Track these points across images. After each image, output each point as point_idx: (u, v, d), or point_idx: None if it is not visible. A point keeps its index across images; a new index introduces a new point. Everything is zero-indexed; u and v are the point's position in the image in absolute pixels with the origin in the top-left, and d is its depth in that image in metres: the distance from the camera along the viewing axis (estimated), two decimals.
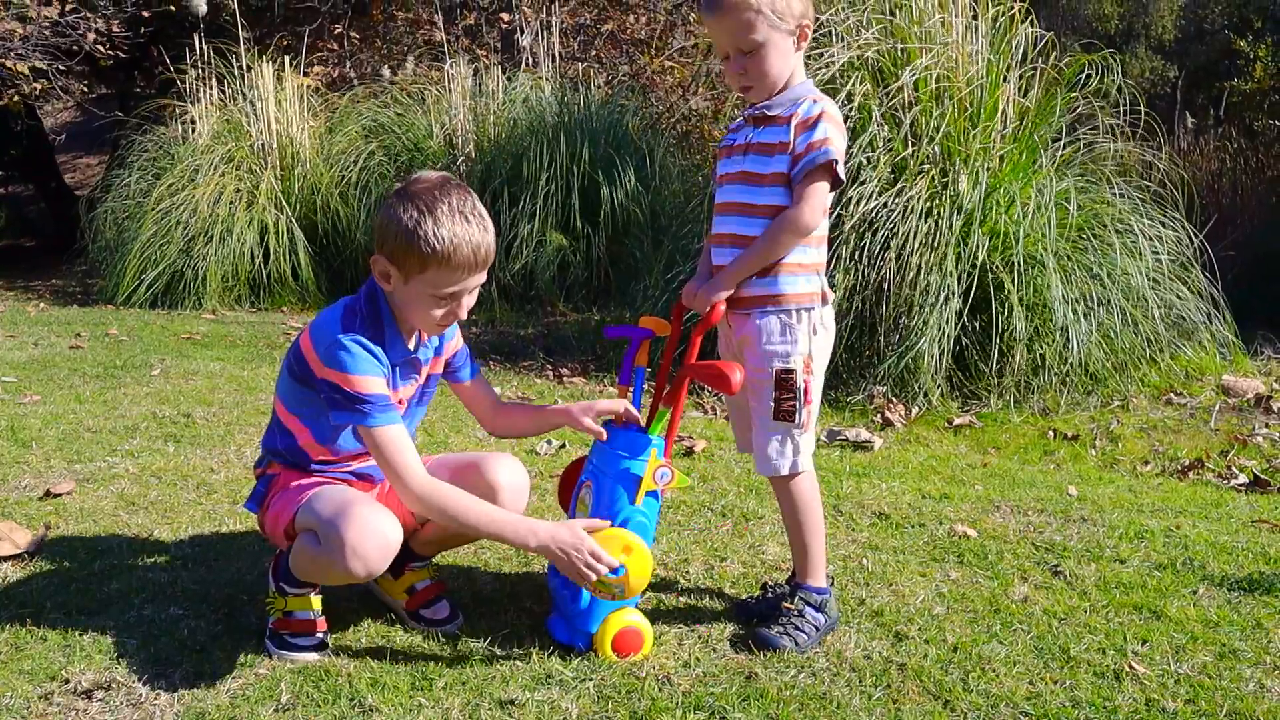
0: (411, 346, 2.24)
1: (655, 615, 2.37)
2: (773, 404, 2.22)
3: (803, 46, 2.23)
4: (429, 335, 2.25)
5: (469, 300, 2.18)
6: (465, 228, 2.07)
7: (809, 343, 2.22)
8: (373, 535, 2.05)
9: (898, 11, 5.08)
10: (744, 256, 2.21)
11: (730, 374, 2.13)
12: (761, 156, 2.23)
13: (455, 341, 2.40)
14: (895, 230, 4.65)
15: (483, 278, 2.15)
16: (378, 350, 2.13)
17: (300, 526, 2.16)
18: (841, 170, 2.19)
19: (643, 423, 2.30)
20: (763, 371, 2.22)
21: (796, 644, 2.22)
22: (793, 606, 2.29)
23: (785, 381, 2.21)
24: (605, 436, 2.26)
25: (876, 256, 4.66)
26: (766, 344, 2.22)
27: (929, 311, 4.56)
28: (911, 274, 4.60)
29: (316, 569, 2.15)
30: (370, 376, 2.10)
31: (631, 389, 2.34)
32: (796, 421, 2.22)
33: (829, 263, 4.60)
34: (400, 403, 2.23)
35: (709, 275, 2.30)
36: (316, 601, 2.25)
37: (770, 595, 2.43)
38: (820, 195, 2.18)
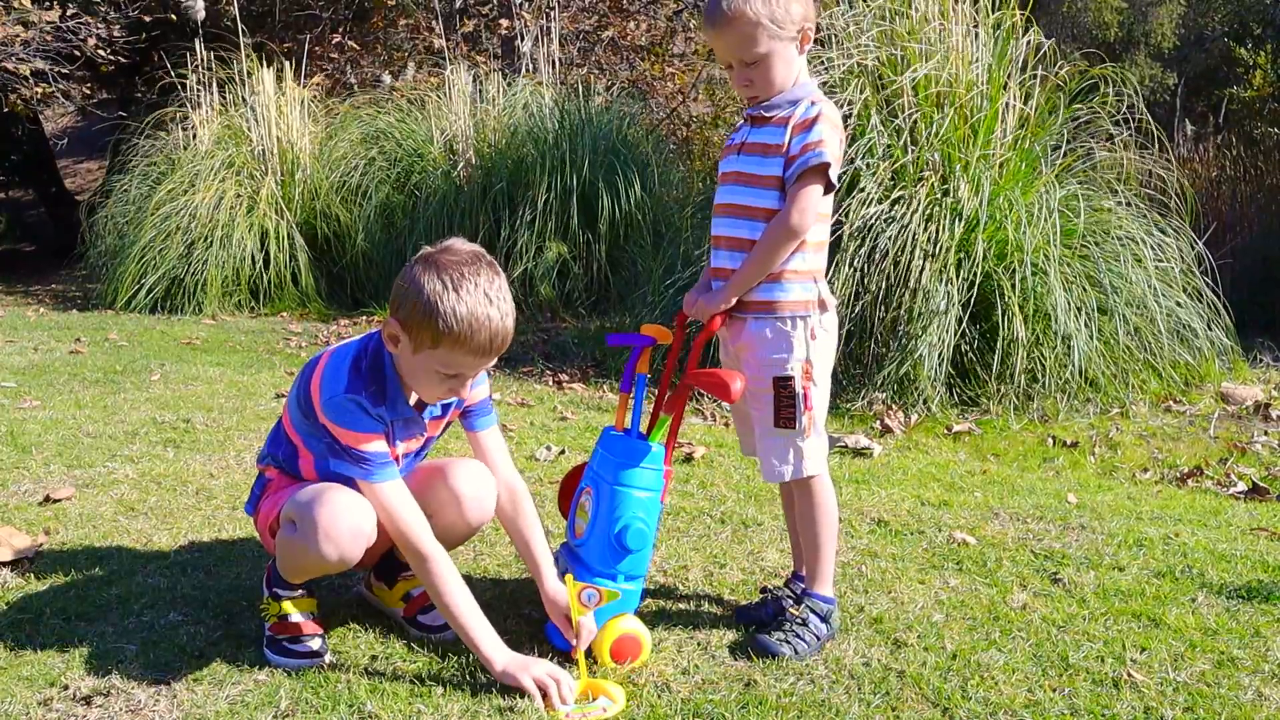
0: (415, 405, 2.21)
1: (654, 622, 2.37)
2: (772, 411, 2.22)
3: (805, 49, 2.21)
4: (431, 403, 2.21)
5: (474, 379, 2.14)
6: (487, 312, 2.00)
7: (806, 349, 2.20)
8: (345, 518, 2.06)
9: (897, 18, 5.09)
10: (744, 268, 2.19)
11: (730, 382, 2.13)
12: (756, 157, 2.22)
13: (480, 390, 2.31)
14: (895, 237, 4.66)
15: (492, 361, 2.11)
16: (380, 410, 2.11)
17: (283, 518, 2.17)
18: (835, 174, 2.16)
19: (644, 430, 2.30)
20: (761, 379, 2.22)
21: (796, 652, 2.21)
22: (797, 614, 2.28)
23: (783, 389, 2.20)
24: (576, 638, 2.20)
25: (877, 263, 4.66)
26: (763, 352, 2.22)
27: (929, 318, 4.56)
28: (912, 281, 4.60)
29: (294, 558, 2.16)
30: (370, 434, 2.09)
31: (633, 396, 2.34)
32: (797, 429, 2.21)
33: (829, 269, 4.62)
34: (398, 458, 2.21)
35: (709, 281, 2.30)
36: (311, 604, 2.26)
37: (770, 601, 2.43)
38: (812, 198, 2.15)
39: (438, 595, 2.11)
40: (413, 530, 2.11)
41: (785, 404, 2.20)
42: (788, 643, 2.23)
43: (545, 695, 2.03)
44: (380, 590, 2.44)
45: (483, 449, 2.35)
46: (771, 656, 2.20)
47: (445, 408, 2.28)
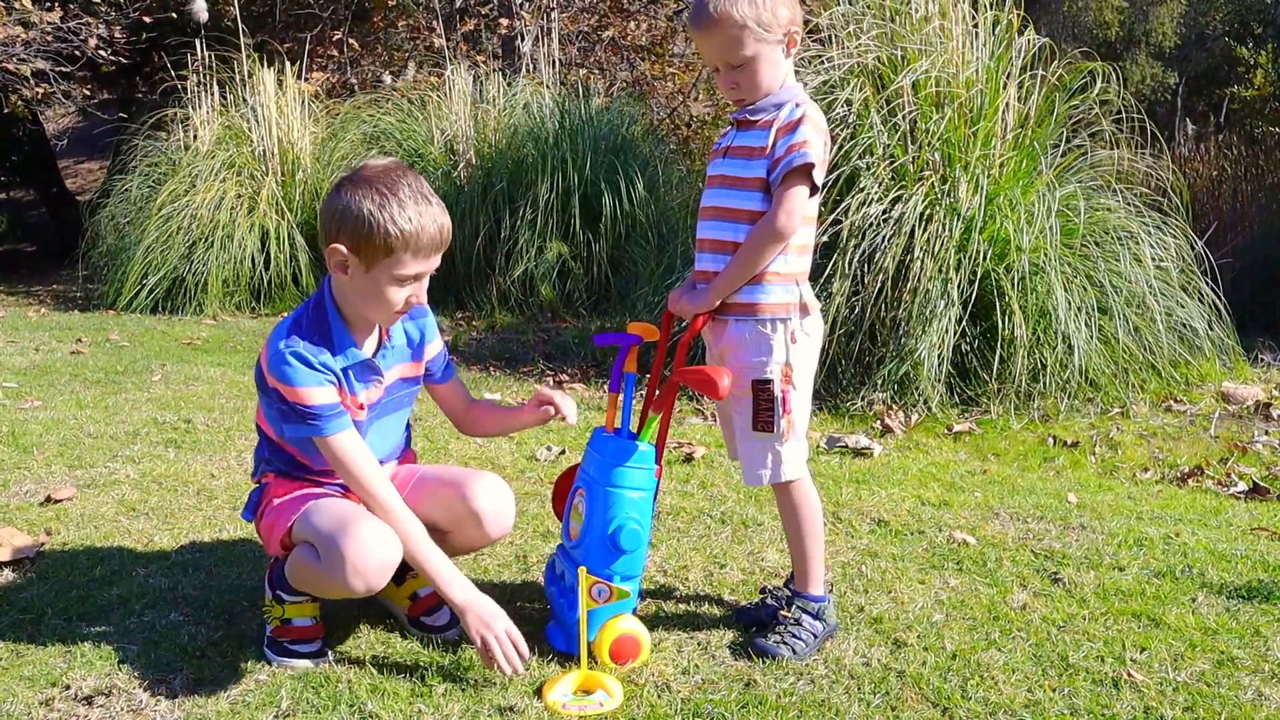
0: (367, 351, 2.23)
1: (654, 622, 2.37)
2: (751, 414, 2.21)
3: (792, 53, 2.21)
4: (389, 325, 2.23)
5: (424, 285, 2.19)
6: (429, 209, 2.09)
7: (786, 352, 2.19)
8: (374, 553, 2.05)
9: (897, 17, 5.09)
10: (728, 270, 2.18)
11: (718, 379, 2.12)
12: (741, 160, 2.21)
13: (435, 345, 2.40)
14: (895, 236, 4.66)
15: (439, 257, 2.16)
16: (322, 359, 2.12)
17: (298, 539, 2.16)
18: (819, 175, 2.15)
19: (634, 429, 2.31)
20: (741, 382, 2.21)
21: (795, 652, 2.22)
22: (790, 615, 2.29)
23: (762, 392, 2.19)
24: (565, 412, 2.33)
25: (876, 262, 4.66)
26: (743, 354, 2.21)
27: (929, 318, 4.56)
28: (911, 280, 4.60)
29: (316, 583, 2.15)
30: (313, 388, 2.10)
31: (622, 395, 2.34)
32: (775, 432, 2.20)
33: (828, 268, 4.64)
34: (361, 407, 2.22)
35: (694, 282, 2.30)
36: (314, 608, 2.26)
37: (770, 601, 2.43)
38: (797, 200, 2.13)
39: (401, 540, 2.11)
40: (368, 480, 2.12)
41: (764, 407, 2.19)
42: (784, 644, 2.23)
43: (488, 654, 2.06)
44: (388, 588, 2.44)
45: (447, 396, 2.47)
46: (770, 658, 2.20)
47: (404, 354, 2.32)
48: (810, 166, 2.12)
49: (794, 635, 2.25)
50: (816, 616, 2.29)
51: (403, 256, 2.08)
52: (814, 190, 2.17)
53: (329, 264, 2.13)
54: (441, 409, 2.52)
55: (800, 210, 2.15)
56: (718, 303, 2.22)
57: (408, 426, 2.50)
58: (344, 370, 2.18)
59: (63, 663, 2.18)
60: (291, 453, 2.27)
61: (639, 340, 2.36)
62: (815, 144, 2.13)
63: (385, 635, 2.33)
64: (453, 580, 2.12)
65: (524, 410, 2.42)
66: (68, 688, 2.08)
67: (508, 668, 2.06)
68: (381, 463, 2.32)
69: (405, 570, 2.41)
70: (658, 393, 2.28)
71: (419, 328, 2.35)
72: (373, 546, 2.05)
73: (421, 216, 2.07)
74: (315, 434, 2.10)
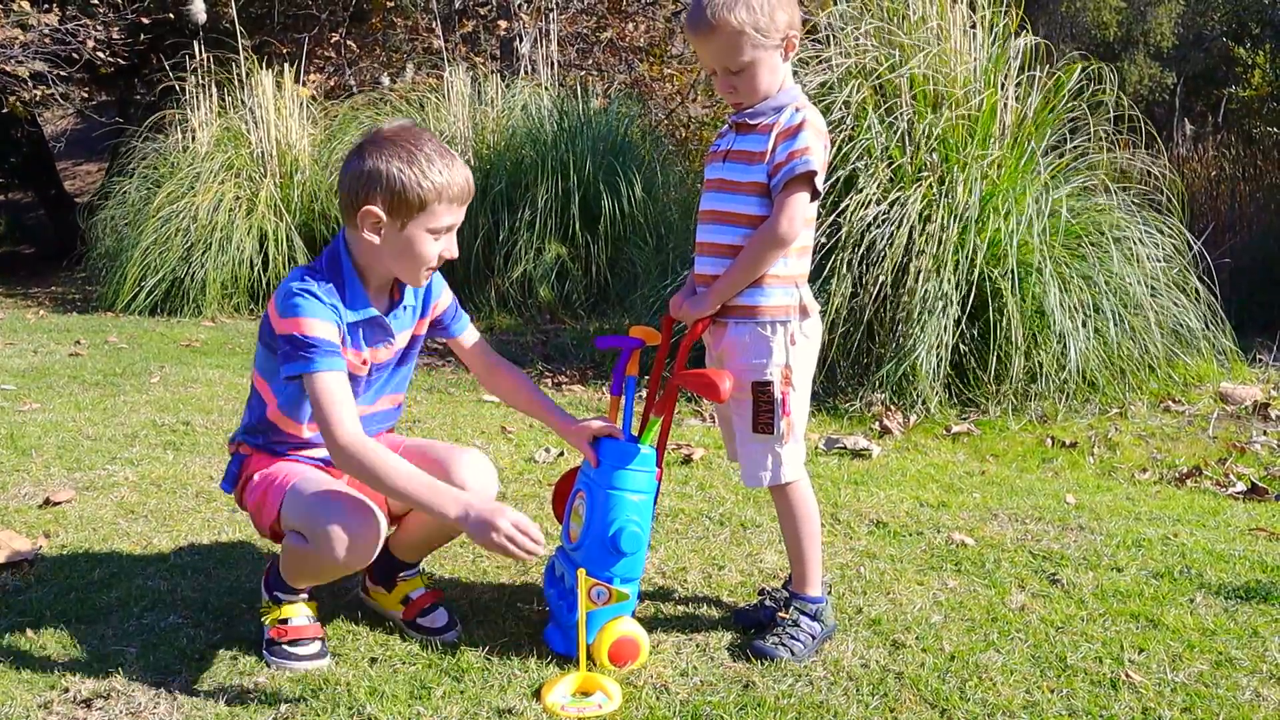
0: (379, 308, 2.23)
1: (652, 624, 2.37)
2: (750, 416, 2.22)
3: (790, 56, 2.21)
4: (419, 283, 2.23)
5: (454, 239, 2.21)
6: (454, 161, 2.14)
7: (786, 354, 2.20)
8: (358, 524, 2.07)
9: (894, 18, 5.09)
10: (729, 274, 2.19)
11: (719, 382, 2.13)
12: (740, 164, 2.21)
13: (444, 298, 2.40)
14: (893, 237, 4.66)
15: (463, 213, 2.20)
16: (332, 300, 2.14)
17: (287, 525, 2.16)
18: (820, 181, 2.17)
19: (635, 432, 2.31)
20: (741, 384, 2.21)
21: (793, 654, 2.22)
22: (787, 616, 2.29)
23: (762, 394, 2.20)
24: (596, 463, 2.25)
25: (874, 263, 4.67)
26: (742, 357, 2.22)
27: (927, 319, 4.56)
28: (909, 281, 4.61)
29: (307, 566, 2.17)
30: (319, 320, 2.11)
31: (623, 399, 2.35)
32: (775, 434, 2.21)
33: (826, 270, 4.64)
34: (364, 363, 2.23)
35: (694, 285, 2.31)
36: (312, 608, 2.27)
37: (768, 603, 2.43)
38: (799, 206, 2.15)
39: (373, 479, 2.06)
40: (339, 424, 2.06)
41: (764, 409, 2.20)
42: (783, 645, 2.23)
43: (504, 553, 1.98)
44: (379, 594, 2.45)
45: (468, 350, 2.46)
46: (769, 660, 2.20)
47: (414, 313, 2.32)
48: (812, 174, 2.13)
49: (792, 637, 2.25)
50: (814, 618, 2.29)
51: (436, 209, 2.12)
52: (815, 196, 2.18)
53: (363, 226, 2.14)
54: (463, 361, 2.51)
55: (801, 216, 2.16)
56: (718, 307, 2.22)
57: (402, 404, 2.49)
58: (354, 326, 2.19)
59: (61, 665, 2.18)
60: (274, 422, 2.27)
61: (640, 343, 2.36)
62: (816, 150, 2.14)
63: (384, 637, 2.33)
64: (443, 501, 2.04)
65: (559, 420, 2.37)
66: (66, 690, 2.08)
67: (527, 556, 2.00)
68: (374, 432, 2.33)
69: (394, 574, 2.42)
70: (658, 396, 2.28)
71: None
72: (357, 517, 2.07)
73: (450, 169, 2.12)
74: (306, 369, 2.08)
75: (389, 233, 2.13)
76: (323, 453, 2.28)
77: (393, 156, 2.09)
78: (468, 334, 2.47)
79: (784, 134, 2.15)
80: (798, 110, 2.17)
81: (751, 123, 2.22)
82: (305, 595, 2.29)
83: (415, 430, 4.26)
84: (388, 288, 2.27)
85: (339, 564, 2.08)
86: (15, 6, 9.22)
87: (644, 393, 2.36)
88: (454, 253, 2.20)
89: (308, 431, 2.28)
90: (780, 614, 2.31)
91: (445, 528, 2.35)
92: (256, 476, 2.26)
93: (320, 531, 2.07)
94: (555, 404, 2.43)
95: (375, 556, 2.15)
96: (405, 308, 2.30)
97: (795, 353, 2.21)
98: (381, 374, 2.32)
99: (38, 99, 10.04)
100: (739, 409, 2.25)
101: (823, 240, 4.59)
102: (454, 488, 2.12)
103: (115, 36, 10.05)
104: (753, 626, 2.38)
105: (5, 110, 9.94)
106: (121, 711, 2.02)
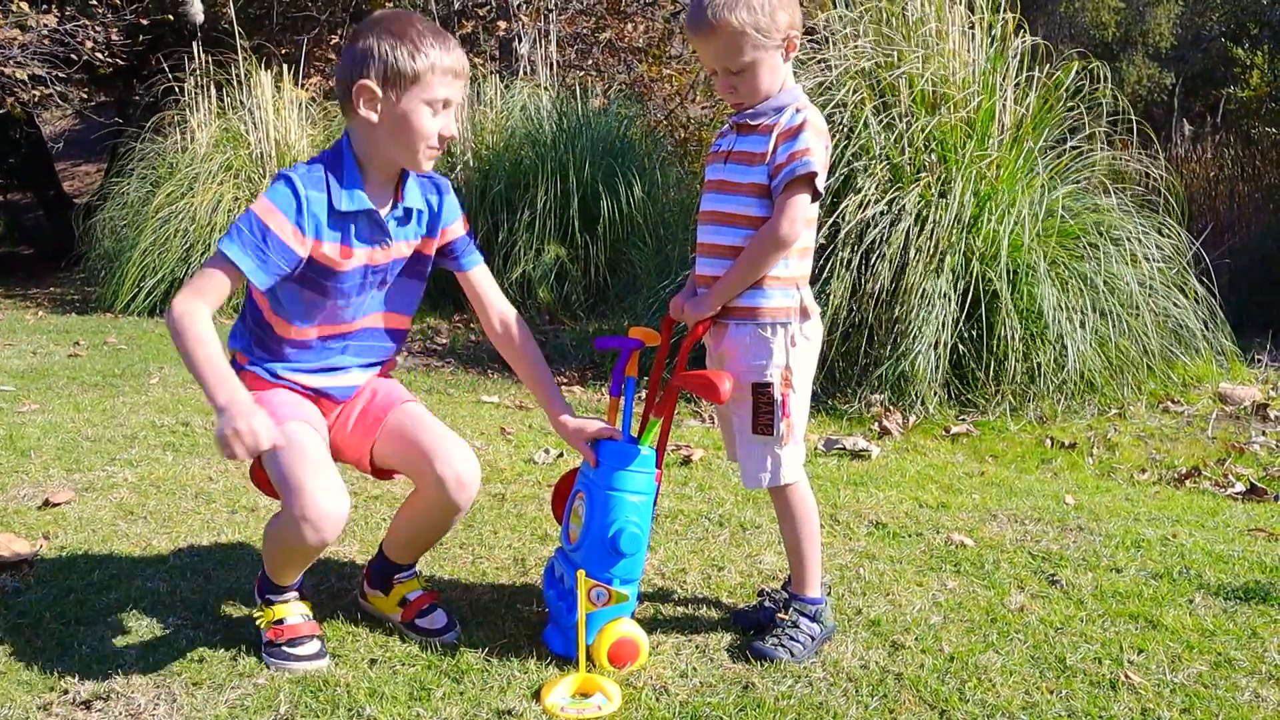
0: (378, 204, 2.21)
1: (652, 625, 2.37)
2: (750, 417, 2.22)
3: (791, 56, 2.21)
4: (418, 166, 2.20)
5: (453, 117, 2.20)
6: (447, 38, 2.15)
7: (786, 356, 2.20)
8: (325, 505, 2.06)
9: (894, 20, 5.10)
10: (730, 275, 2.19)
11: (719, 383, 2.13)
12: (741, 165, 2.21)
13: (457, 227, 2.36)
14: (891, 238, 4.67)
15: (460, 90, 2.19)
16: (310, 196, 2.12)
17: (268, 470, 2.15)
18: (821, 182, 2.16)
19: (635, 433, 2.31)
20: (741, 385, 2.21)
21: (793, 655, 2.22)
22: (787, 618, 2.29)
23: (762, 395, 2.20)
24: (595, 463, 2.25)
25: (873, 264, 4.67)
26: (743, 358, 2.22)
27: (925, 320, 4.57)
28: (908, 281, 4.61)
29: (278, 547, 2.18)
30: (273, 204, 2.10)
31: (623, 400, 2.35)
32: (775, 435, 2.21)
33: (825, 270, 4.64)
34: (348, 256, 2.19)
35: (694, 287, 2.31)
36: (307, 606, 2.29)
37: (767, 603, 2.44)
38: (800, 207, 2.14)
39: (180, 352, 2.11)
40: (187, 294, 2.11)
41: (764, 410, 2.20)
42: (782, 646, 2.23)
43: (225, 449, 1.96)
44: (376, 599, 2.45)
45: (476, 286, 2.40)
46: (769, 661, 2.20)
47: (420, 224, 2.30)
48: (813, 175, 2.13)
49: (791, 638, 2.25)
50: (814, 619, 2.29)
51: (430, 79, 2.11)
52: (815, 197, 2.17)
53: (359, 103, 2.13)
54: (471, 305, 2.46)
55: (803, 217, 2.15)
56: (719, 308, 2.22)
57: (404, 334, 2.46)
58: (346, 219, 2.17)
59: (61, 667, 2.18)
60: (270, 324, 2.27)
61: (640, 344, 2.36)
62: (817, 151, 2.13)
63: (383, 639, 2.33)
64: (216, 392, 2.03)
65: (556, 407, 2.34)
66: (66, 692, 2.08)
67: (227, 454, 1.97)
68: (369, 366, 2.36)
69: (390, 577, 2.42)
70: (658, 397, 2.28)
71: (439, 197, 2.33)
72: (323, 499, 2.06)
73: (442, 42, 2.13)
74: (221, 242, 2.10)
75: (385, 108, 2.12)
76: (313, 380, 2.29)
77: (384, 33, 2.10)
78: (478, 271, 2.40)
79: (784, 135, 2.15)
80: (798, 111, 2.17)
81: (752, 123, 2.22)
82: (297, 594, 2.29)
83: None
84: (390, 186, 2.24)
85: (304, 542, 2.07)
86: (14, 7, 9.21)
87: (644, 394, 2.36)
88: (453, 131, 2.18)
89: (294, 332, 2.25)
90: (780, 615, 2.31)
91: (434, 524, 2.37)
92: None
93: (286, 506, 2.08)
94: (558, 390, 2.39)
95: (340, 529, 2.11)
96: (409, 213, 2.27)
97: (795, 354, 2.21)
98: (375, 279, 2.27)
99: (36, 100, 10.03)
100: (739, 410, 2.25)
101: (821, 241, 4.59)
102: (240, 383, 2.08)
103: (114, 37, 10.05)
104: (752, 628, 2.38)
105: (3, 111, 9.94)
106: (121, 713, 2.01)
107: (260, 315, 2.29)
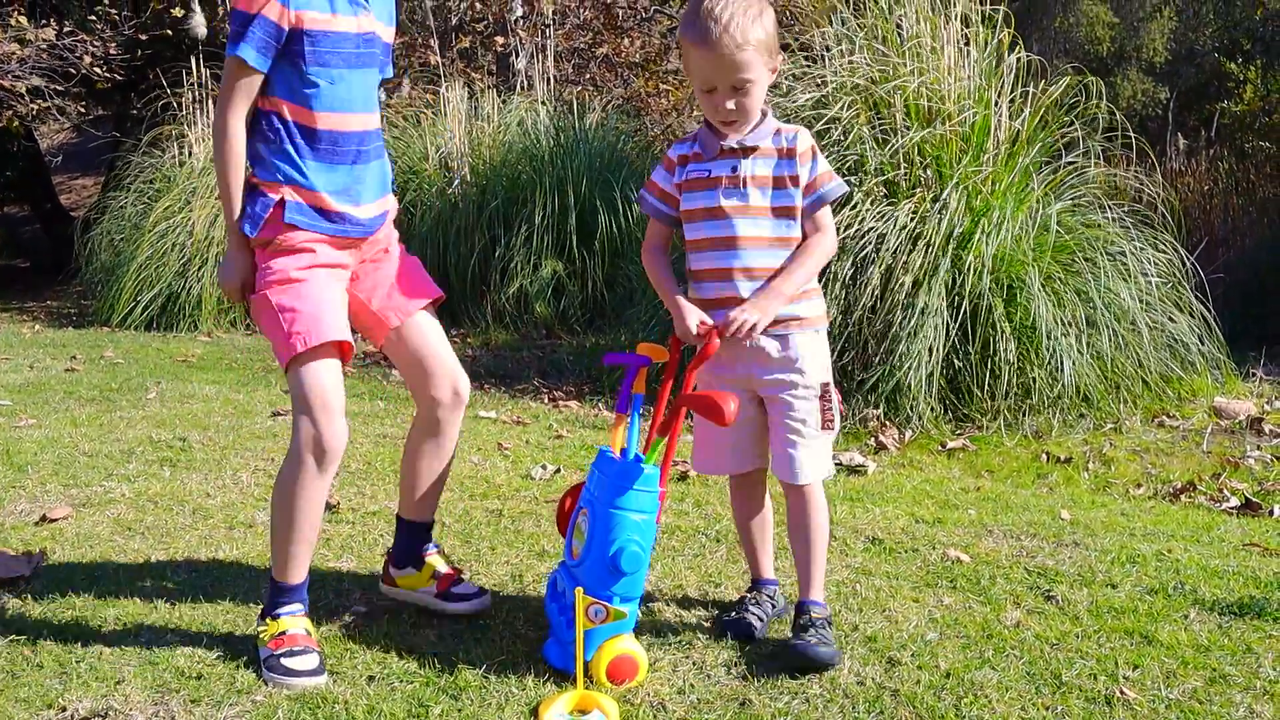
0: None
1: (649, 641, 2.38)
2: (820, 415, 2.33)
3: (772, 78, 2.32)
4: None
5: None
6: None
7: (828, 356, 2.38)
8: (324, 424, 2.21)
9: (889, 35, 5.13)
10: (788, 285, 2.28)
11: (725, 405, 2.14)
12: (778, 190, 2.30)
13: (392, 31, 2.46)
14: (886, 252, 4.68)
15: None
16: None
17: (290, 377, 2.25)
18: None
19: (640, 451, 2.32)
20: (810, 386, 2.31)
21: (836, 653, 2.27)
22: (819, 616, 2.33)
23: (826, 393, 2.33)
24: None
25: (868, 278, 4.69)
26: (810, 360, 2.32)
27: (920, 334, 4.58)
28: (903, 296, 4.62)
29: (290, 480, 2.25)
30: None
31: (629, 417, 2.35)
32: (835, 428, 2.36)
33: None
34: (330, 19, 2.25)
35: (697, 309, 2.33)
36: (308, 623, 2.30)
37: (750, 605, 2.46)
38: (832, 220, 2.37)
39: (216, 160, 2.30)
40: (229, 108, 2.26)
41: (828, 406, 2.33)
42: (826, 644, 2.26)
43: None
44: (406, 579, 2.51)
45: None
46: (831, 668, 2.23)
47: (386, 8, 2.40)
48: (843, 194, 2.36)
49: (830, 639, 2.30)
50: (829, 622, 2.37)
51: None
52: None
53: None
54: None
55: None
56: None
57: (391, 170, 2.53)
58: None
59: (59, 684, 2.18)
60: (292, 119, 2.29)
61: (648, 361, 2.38)
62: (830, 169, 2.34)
63: (381, 655, 2.34)
64: (235, 220, 2.27)
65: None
66: (64, 709, 2.08)
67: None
68: (378, 196, 2.41)
69: (419, 550, 2.52)
70: (664, 416, 2.30)
71: None
72: (322, 421, 2.21)
73: None
74: (232, 50, 2.20)
75: None
76: (334, 200, 2.31)
77: None
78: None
79: (805, 156, 2.30)
80: (797, 133, 2.31)
81: (756, 145, 2.26)
82: (301, 609, 2.31)
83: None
84: None
85: (314, 469, 2.21)
86: (13, 21, 9.24)
87: (650, 410, 2.38)
88: None
89: (309, 119, 2.29)
90: (814, 614, 2.33)
91: (432, 468, 2.48)
92: (272, 282, 2.27)
93: (299, 420, 2.22)
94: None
95: (340, 451, 2.26)
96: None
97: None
98: (356, 57, 2.33)
99: (34, 113, 10.06)
100: (797, 411, 2.32)
101: None
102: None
103: (112, 52, 10.08)
104: (744, 637, 2.39)
105: (2, 124, 9.96)
106: None
107: (273, 121, 2.30)
